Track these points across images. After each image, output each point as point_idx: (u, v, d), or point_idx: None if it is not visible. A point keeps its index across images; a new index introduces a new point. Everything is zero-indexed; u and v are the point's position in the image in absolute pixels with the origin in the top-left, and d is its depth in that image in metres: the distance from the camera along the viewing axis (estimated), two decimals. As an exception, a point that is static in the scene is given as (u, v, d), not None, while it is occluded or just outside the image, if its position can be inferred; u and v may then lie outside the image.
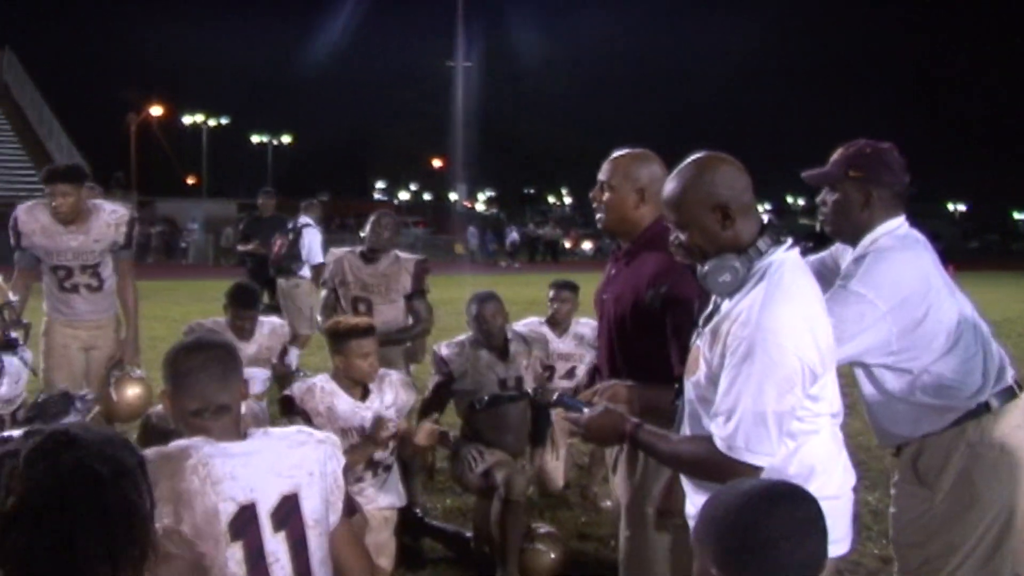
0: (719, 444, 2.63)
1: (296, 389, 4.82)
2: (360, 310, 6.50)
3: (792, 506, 1.91)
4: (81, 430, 1.83)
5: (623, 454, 3.72)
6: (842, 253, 3.70)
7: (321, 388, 4.81)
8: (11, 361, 4.57)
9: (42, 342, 6.22)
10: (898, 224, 3.53)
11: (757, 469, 2.61)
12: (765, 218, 2.81)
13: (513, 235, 48.15)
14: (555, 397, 3.26)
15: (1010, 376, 3.52)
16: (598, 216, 3.83)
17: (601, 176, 3.78)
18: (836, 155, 3.61)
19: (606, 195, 3.76)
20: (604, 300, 3.91)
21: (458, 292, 23.09)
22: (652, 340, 3.60)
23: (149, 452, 2.51)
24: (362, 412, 4.80)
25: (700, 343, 2.79)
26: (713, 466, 2.66)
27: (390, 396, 4.92)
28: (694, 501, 2.90)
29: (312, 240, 11.68)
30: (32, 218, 6.15)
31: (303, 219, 11.97)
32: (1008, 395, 3.44)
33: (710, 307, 2.85)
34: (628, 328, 3.69)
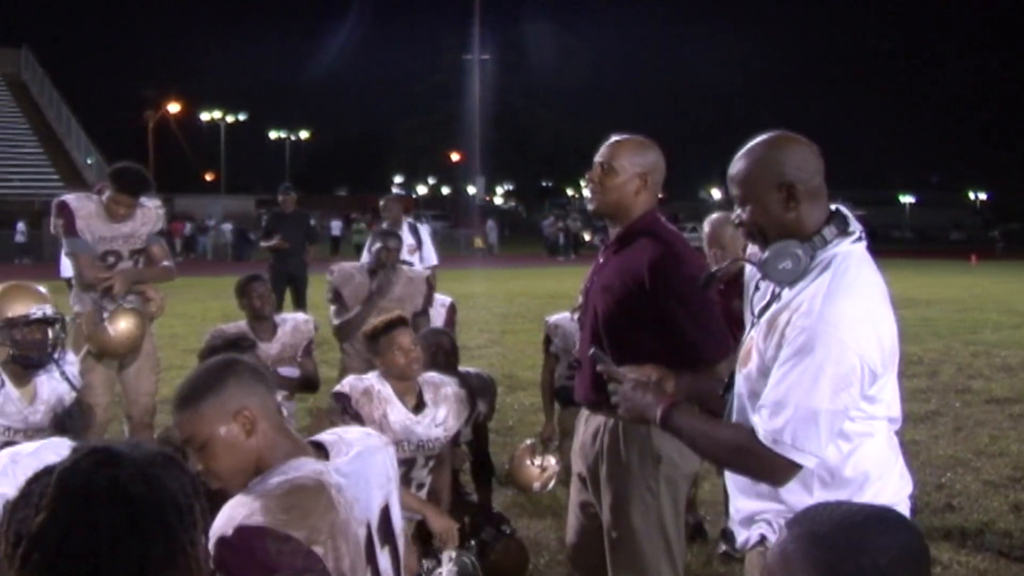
0: (763, 437, 2.45)
1: (351, 389, 4.51)
2: None
3: (907, 535, 1.73)
4: (127, 447, 1.69)
5: (605, 451, 3.62)
6: None
7: (378, 392, 4.51)
8: (50, 387, 4.42)
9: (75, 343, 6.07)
10: None
11: (798, 468, 2.46)
12: (833, 206, 2.64)
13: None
14: (592, 351, 3.13)
15: None
16: (592, 197, 3.68)
17: (600, 158, 3.64)
18: None
19: (606, 177, 3.62)
20: (591, 289, 3.78)
21: (478, 287, 23.16)
22: (643, 330, 3.50)
23: (286, 488, 2.29)
24: (412, 427, 4.53)
25: (754, 334, 2.63)
26: (753, 458, 2.50)
27: (443, 412, 4.66)
28: (738, 505, 2.75)
29: (429, 240, 11.01)
30: (82, 204, 6.08)
31: (409, 218, 11.26)
32: None
33: (767, 297, 2.68)
34: (617, 317, 3.57)
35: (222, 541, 2.22)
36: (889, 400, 2.56)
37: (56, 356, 4.39)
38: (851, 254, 2.54)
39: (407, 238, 10.19)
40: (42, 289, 4.48)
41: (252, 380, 2.47)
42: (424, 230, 10.94)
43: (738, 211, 2.65)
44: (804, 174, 2.56)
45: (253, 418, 2.40)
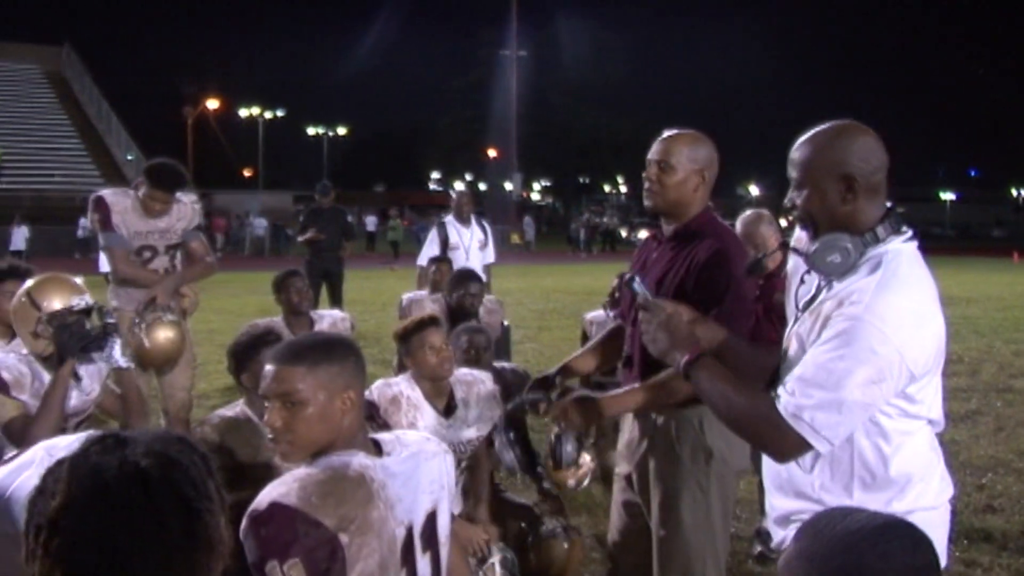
0: (783, 409, 2.41)
1: (380, 396, 4.41)
2: None
3: (911, 549, 1.69)
4: (134, 432, 1.69)
5: (655, 448, 3.61)
6: None
7: (407, 399, 4.43)
8: (88, 371, 4.41)
9: None
10: None
11: (808, 448, 2.42)
12: (888, 204, 2.60)
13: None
14: (628, 276, 3.09)
15: None
16: (651, 195, 3.63)
17: (657, 156, 3.60)
18: None
19: (664, 175, 3.58)
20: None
21: (515, 283, 23.13)
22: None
23: (327, 475, 2.35)
24: (443, 432, 4.37)
25: (798, 328, 2.60)
26: (768, 427, 2.45)
27: (475, 411, 4.60)
28: (774, 503, 2.72)
29: (492, 236, 10.46)
30: (119, 199, 6.13)
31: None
32: None
33: (813, 291, 2.65)
34: None
35: (253, 513, 2.26)
36: (930, 402, 2.52)
37: (104, 345, 4.28)
38: (902, 252, 2.51)
39: (477, 232, 9.98)
40: (76, 280, 4.47)
41: (363, 370, 2.56)
42: (488, 225, 10.63)
43: (792, 194, 2.62)
44: (867, 167, 2.52)
45: (353, 403, 2.47)
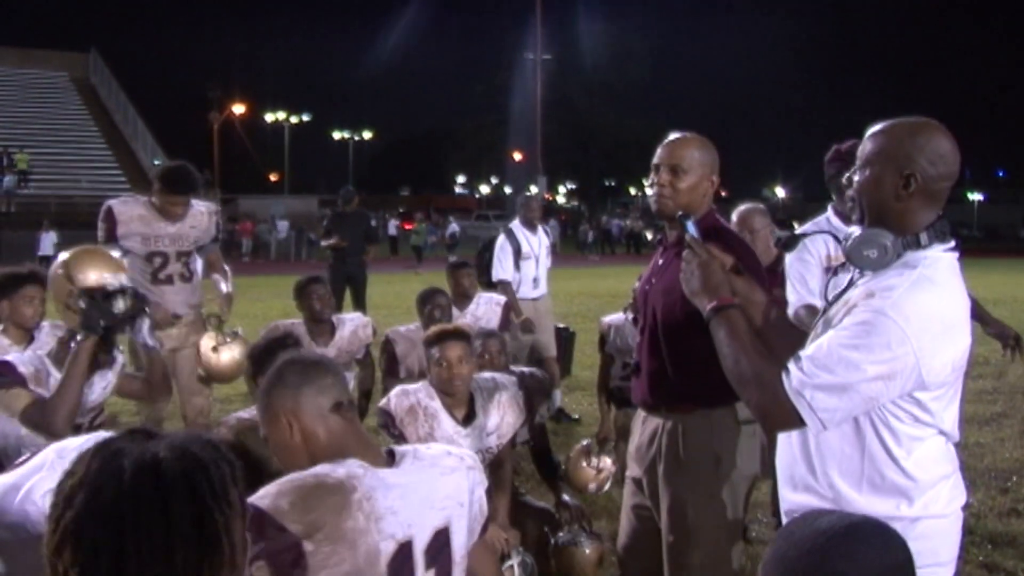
0: (787, 382, 2.43)
1: (396, 407, 4.41)
2: None
3: (879, 550, 1.68)
4: (168, 432, 1.70)
5: (663, 453, 3.59)
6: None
7: (424, 408, 4.40)
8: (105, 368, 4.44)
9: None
10: None
11: (801, 425, 2.43)
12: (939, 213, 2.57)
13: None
14: (681, 214, 3.14)
15: None
16: (662, 200, 3.57)
17: (668, 160, 3.56)
18: None
19: (677, 179, 3.55)
20: (649, 291, 3.71)
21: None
22: (703, 334, 3.43)
23: (307, 481, 2.35)
24: (460, 442, 4.32)
25: (826, 317, 2.61)
26: (767, 394, 2.46)
27: (495, 419, 4.55)
28: (785, 496, 2.72)
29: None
30: (127, 208, 6.16)
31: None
32: None
33: (844, 285, 2.64)
34: (679, 320, 3.47)
35: None
36: (943, 414, 2.51)
37: (134, 324, 4.20)
38: (941, 260, 2.51)
39: (543, 238, 9.61)
40: (116, 254, 4.45)
41: (298, 382, 2.56)
42: (549, 229, 10.24)
43: (853, 171, 2.62)
44: (932, 171, 2.50)
45: (293, 420, 2.52)
